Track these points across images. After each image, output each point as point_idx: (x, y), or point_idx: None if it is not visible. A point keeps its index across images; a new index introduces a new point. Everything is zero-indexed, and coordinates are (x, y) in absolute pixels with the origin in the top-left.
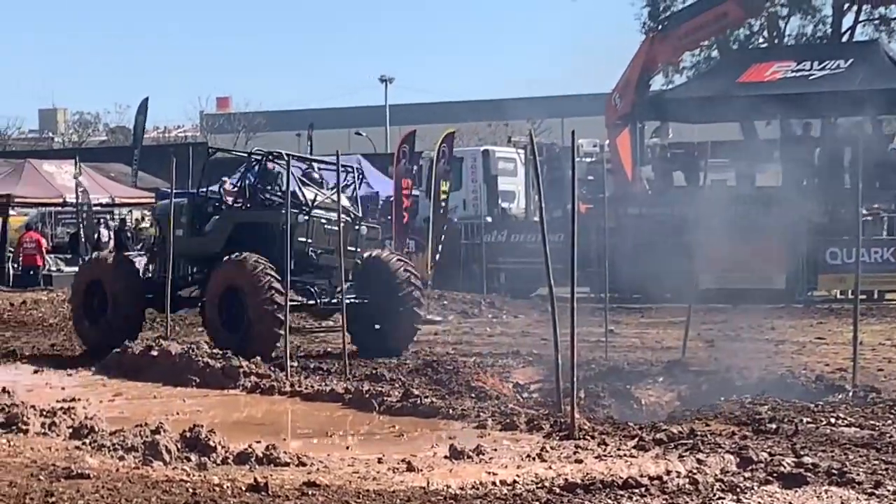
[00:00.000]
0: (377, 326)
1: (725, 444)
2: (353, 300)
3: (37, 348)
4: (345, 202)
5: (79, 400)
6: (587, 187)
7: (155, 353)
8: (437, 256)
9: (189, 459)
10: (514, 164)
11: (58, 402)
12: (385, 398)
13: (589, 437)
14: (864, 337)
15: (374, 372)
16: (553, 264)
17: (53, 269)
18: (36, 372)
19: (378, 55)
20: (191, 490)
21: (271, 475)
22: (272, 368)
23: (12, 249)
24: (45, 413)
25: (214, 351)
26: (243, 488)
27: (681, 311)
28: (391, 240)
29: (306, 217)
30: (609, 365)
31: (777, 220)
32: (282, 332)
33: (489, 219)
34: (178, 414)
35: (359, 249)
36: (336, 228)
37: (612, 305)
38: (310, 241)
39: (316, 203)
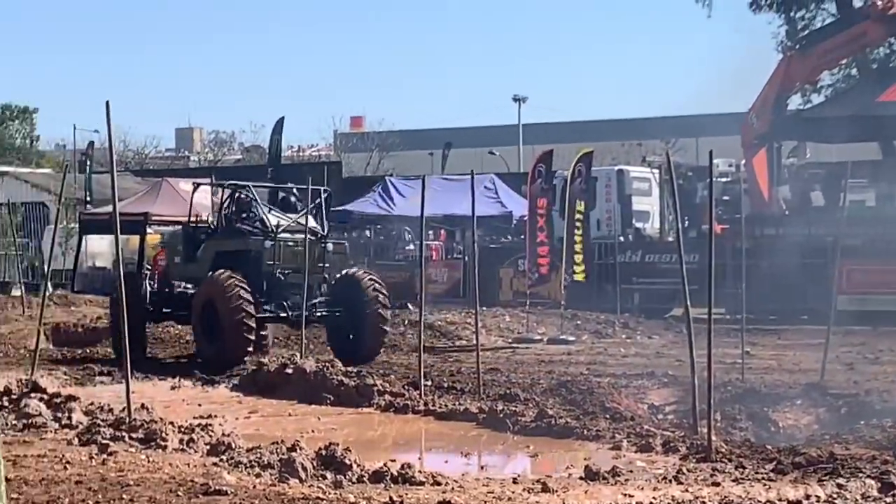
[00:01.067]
0: (350, 337)
1: (866, 469)
2: (325, 313)
3: (174, 365)
4: (311, 223)
5: (215, 416)
6: (722, 207)
7: (290, 370)
8: (572, 277)
9: (325, 477)
10: (648, 183)
11: (195, 418)
12: (519, 418)
13: (726, 460)
14: None
15: (508, 392)
16: (688, 285)
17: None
18: (173, 388)
19: (512, 74)
20: None
21: (406, 494)
22: (406, 387)
23: (149, 267)
24: (183, 429)
25: (349, 369)
26: None
27: (818, 333)
28: (524, 258)
29: (272, 243)
30: (746, 387)
31: None
32: (252, 337)
33: (623, 238)
34: (312, 432)
35: (327, 264)
36: (302, 248)
37: (748, 327)
38: (277, 263)
39: (281, 228)
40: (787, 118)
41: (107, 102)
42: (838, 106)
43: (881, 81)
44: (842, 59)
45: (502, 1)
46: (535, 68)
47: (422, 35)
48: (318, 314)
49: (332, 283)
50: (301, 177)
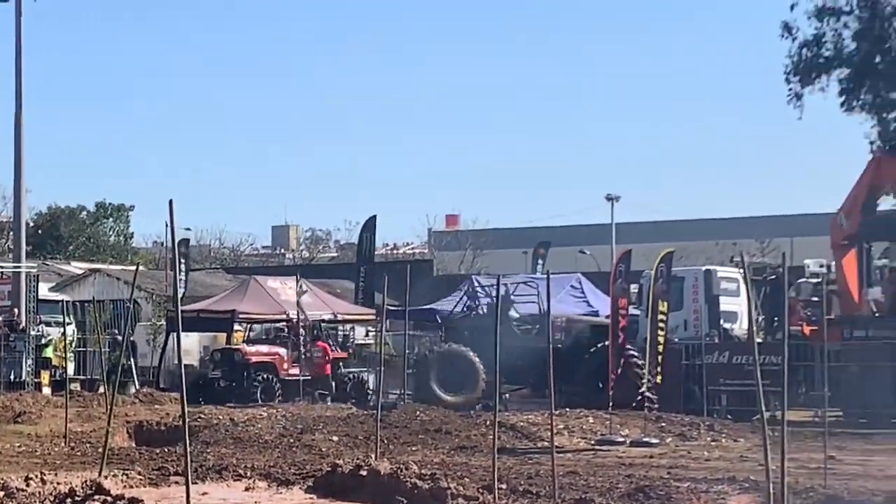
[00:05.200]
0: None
1: None
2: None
3: (252, 466)
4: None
5: None
6: (812, 309)
7: (364, 472)
8: (657, 378)
9: None
10: (736, 284)
11: None
12: None
13: None
14: None
15: (584, 496)
16: (774, 387)
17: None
18: (247, 490)
19: (606, 174)
20: None
21: None
22: (480, 490)
23: None
24: None
25: (423, 472)
26: None
27: None
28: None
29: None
30: (828, 493)
31: None
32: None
33: (710, 339)
34: None
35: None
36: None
37: (837, 430)
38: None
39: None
40: (877, 219)
41: (170, 201)
42: None
43: None
44: None
45: (596, 103)
46: (628, 167)
47: (515, 134)
48: None
49: None
50: (392, 274)
